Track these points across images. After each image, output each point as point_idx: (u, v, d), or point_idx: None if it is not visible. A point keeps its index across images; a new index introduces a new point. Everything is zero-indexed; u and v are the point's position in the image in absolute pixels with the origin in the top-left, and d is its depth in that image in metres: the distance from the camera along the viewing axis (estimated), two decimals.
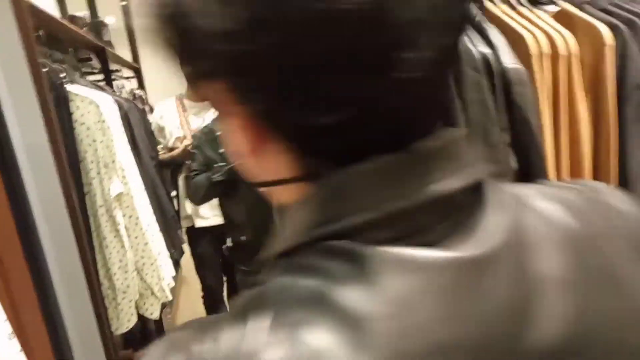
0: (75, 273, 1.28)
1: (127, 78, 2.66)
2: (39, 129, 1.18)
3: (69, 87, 1.39)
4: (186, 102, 2.10)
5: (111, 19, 2.65)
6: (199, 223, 2.11)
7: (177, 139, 2.12)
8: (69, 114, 1.34)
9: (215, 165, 1.62)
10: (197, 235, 2.12)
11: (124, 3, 3.00)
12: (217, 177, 1.60)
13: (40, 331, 1.09)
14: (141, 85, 2.90)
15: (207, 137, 1.71)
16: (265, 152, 0.31)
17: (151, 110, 2.56)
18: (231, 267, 2.07)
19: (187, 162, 1.97)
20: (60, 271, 1.21)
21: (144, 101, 2.66)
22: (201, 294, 2.27)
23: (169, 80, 1.97)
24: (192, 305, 2.25)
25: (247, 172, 0.35)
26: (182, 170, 2.18)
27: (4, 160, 1.05)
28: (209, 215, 2.09)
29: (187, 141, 2.03)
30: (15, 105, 1.13)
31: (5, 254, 1.01)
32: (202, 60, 0.29)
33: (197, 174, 1.73)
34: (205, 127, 1.79)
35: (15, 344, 0.65)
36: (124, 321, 1.46)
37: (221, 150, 1.63)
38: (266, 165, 0.32)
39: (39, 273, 1.14)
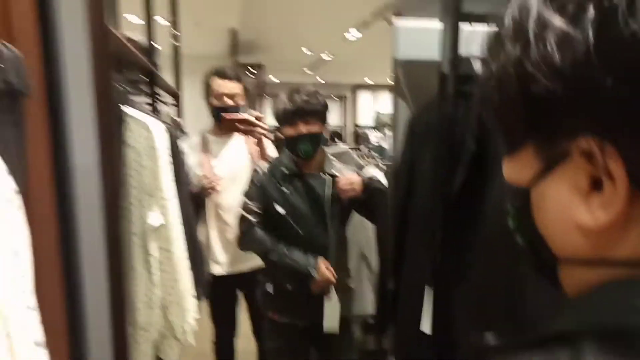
0: (101, 304, 1.19)
1: (168, 104, 2.66)
2: (92, 149, 1.14)
3: (124, 108, 1.35)
4: (211, 138, 2.01)
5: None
6: (215, 269, 1.97)
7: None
8: (122, 136, 1.30)
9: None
10: (214, 279, 1.95)
11: (174, 31, 3.05)
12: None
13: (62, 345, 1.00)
14: (179, 112, 2.90)
15: (274, 177, 1.67)
16: (630, 223, 0.27)
17: None
18: (257, 313, 1.97)
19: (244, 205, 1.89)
20: (89, 300, 1.13)
21: (181, 128, 2.64)
22: (212, 338, 2.14)
23: (206, 110, 1.93)
24: (201, 348, 2.11)
25: (561, 245, 0.32)
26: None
27: (57, 179, 0.99)
28: (224, 261, 1.98)
29: (206, 181, 1.90)
30: (75, 122, 1.08)
31: (42, 267, 0.94)
32: (568, 117, 0.28)
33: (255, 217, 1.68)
34: (273, 164, 1.71)
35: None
36: None
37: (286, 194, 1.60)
38: (625, 238, 0.28)
39: (72, 298, 1.06)
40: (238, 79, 1.94)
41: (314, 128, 1.56)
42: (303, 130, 1.55)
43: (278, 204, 1.65)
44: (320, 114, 1.58)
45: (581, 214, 0.29)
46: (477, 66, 0.93)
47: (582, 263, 0.30)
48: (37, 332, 0.58)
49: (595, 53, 0.25)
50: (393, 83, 1.20)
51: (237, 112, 1.88)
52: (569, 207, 0.29)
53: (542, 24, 0.27)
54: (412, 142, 1.09)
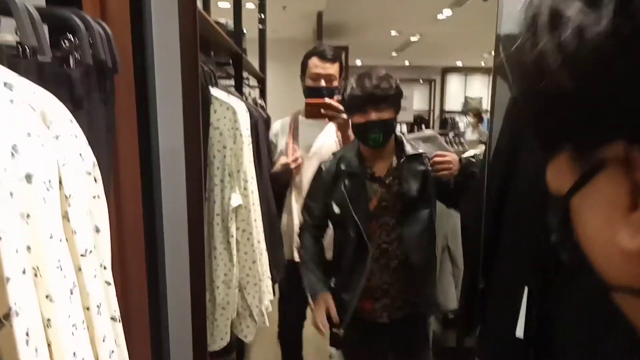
0: (182, 281, 1.22)
1: (252, 87, 2.70)
2: (178, 129, 1.16)
3: (211, 90, 1.37)
4: (301, 120, 1.97)
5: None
6: (295, 255, 1.88)
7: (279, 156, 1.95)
8: (208, 117, 1.31)
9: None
10: (289, 265, 1.88)
11: (261, 15, 3.09)
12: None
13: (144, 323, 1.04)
14: (263, 95, 2.95)
15: (335, 171, 1.57)
16: None
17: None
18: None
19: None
20: (170, 277, 1.16)
21: (264, 110, 2.67)
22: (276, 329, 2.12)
23: (289, 94, 1.91)
24: (275, 329, 2.13)
25: (607, 270, 0.27)
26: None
27: (144, 158, 1.02)
28: None
29: (284, 159, 1.87)
30: (162, 104, 1.11)
31: (129, 246, 0.98)
32: (601, 119, 0.24)
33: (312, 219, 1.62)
34: (336, 155, 1.61)
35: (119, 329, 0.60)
36: (217, 339, 1.38)
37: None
38: None
39: (154, 275, 1.10)
40: (336, 60, 1.88)
41: (385, 115, 1.44)
42: (373, 117, 1.44)
43: (336, 203, 1.55)
44: (391, 100, 1.45)
45: (622, 235, 0.25)
46: None
47: (632, 292, 0.26)
48: (114, 307, 0.58)
49: (619, 43, 0.22)
50: (494, 63, 1.06)
51: (333, 93, 1.82)
52: (609, 227, 0.26)
53: (558, 15, 0.25)
54: (514, 127, 0.96)
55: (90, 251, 0.52)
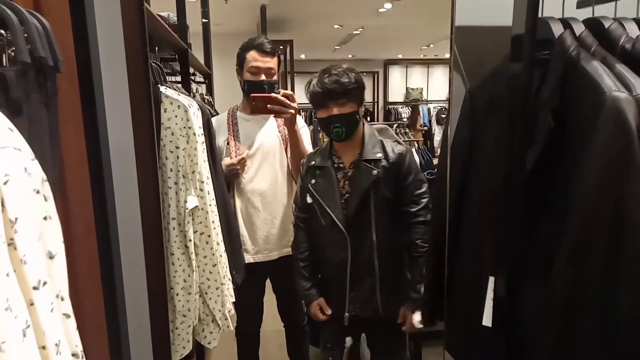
0: (140, 288, 1.15)
1: (199, 83, 2.60)
2: (127, 130, 1.08)
3: (159, 88, 1.29)
4: (239, 115, 1.89)
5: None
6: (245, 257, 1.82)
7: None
8: (158, 117, 1.24)
9: None
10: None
11: (204, 8, 2.97)
12: None
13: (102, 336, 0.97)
14: (210, 91, 2.85)
15: (309, 166, 1.61)
16: None
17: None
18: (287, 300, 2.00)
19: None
20: (128, 288, 1.09)
21: (212, 106, 2.58)
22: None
23: (235, 89, 1.84)
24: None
25: None
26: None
27: (94, 159, 0.94)
28: (251, 248, 1.85)
29: (228, 160, 1.78)
30: (108, 102, 1.03)
31: (81, 258, 0.90)
32: None
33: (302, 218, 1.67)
34: (312, 152, 1.66)
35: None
36: (179, 347, 1.32)
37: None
38: None
39: (110, 286, 1.02)
40: (275, 53, 1.83)
41: (346, 109, 1.48)
42: (335, 112, 1.47)
43: (310, 195, 1.61)
44: (352, 94, 1.48)
45: None
46: (556, 29, 0.81)
47: None
48: (75, 342, 0.52)
49: None
50: (449, 54, 1.08)
51: (274, 87, 1.78)
52: None
53: None
54: (471, 118, 0.98)
55: (45, 282, 0.46)
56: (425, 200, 1.53)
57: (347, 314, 1.58)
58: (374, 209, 1.51)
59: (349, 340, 1.78)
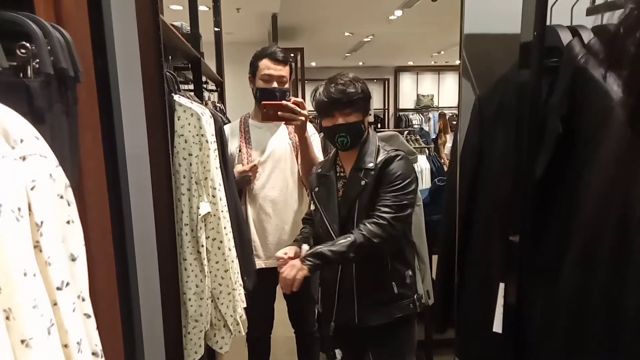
0: (153, 294, 1.17)
1: (211, 91, 2.64)
2: (142, 137, 1.11)
3: (173, 96, 1.32)
4: (251, 123, 1.93)
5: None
6: (256, 262, 1.84)
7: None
8: (172, 124, 1.27)
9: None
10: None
11: (216, 18, 3.02)
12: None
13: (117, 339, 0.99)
14: (222, 99, 2.88)
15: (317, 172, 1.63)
16: None
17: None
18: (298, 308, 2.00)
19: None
20: (142, 293, 1.11)
21: (224, 114, 2.62)
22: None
23: (247, 97, 1.85)
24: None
25: None
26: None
27: (111, 165, 0.96)
28: (262, 254, 1.88)
29: (240, 167, 1.82)
30: (124, 111, 1.05)
31: (98, 261, 0.92)
32: None
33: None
34: (325, 160, 1.67)
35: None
36: (191, 352, 1.34)
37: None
38: None
39: (125, 290, 1.04)
40: (287, 62, 1.86)
41: (351, 118, 1.48)
42: (340, 121, 1.47)
43: (313, 203, 1.63)
44: (357, 103, 1.48)
45: None
46: (565, 36, 0.82)
47: None
48: (95, 341, 0.54)
49: None
50: (459, 62, 1.09)
51: (285, 95, 1.80)
52: None
53: None
54: (480, 124, 0.99)
55: (67, 283, 0.48)
56: (396, 205, 1.42)
57: (332, 323, 1.58)
58: (357, 216, 1.49)
59: (338, 353, 1.72)
